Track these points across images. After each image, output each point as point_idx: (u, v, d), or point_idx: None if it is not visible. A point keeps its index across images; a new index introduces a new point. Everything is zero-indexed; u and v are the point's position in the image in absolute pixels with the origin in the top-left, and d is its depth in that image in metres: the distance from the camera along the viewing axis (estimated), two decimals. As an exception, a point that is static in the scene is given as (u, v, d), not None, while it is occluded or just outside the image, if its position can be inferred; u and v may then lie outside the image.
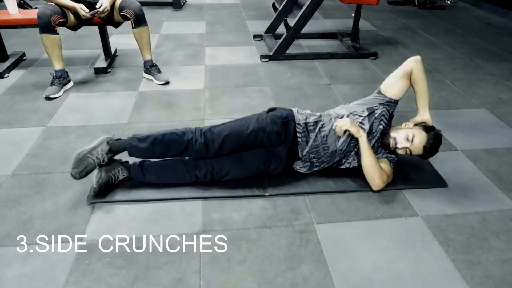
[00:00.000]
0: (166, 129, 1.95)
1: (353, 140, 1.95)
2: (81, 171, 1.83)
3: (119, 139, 1.98)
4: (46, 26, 2.79)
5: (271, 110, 2.02)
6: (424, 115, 2.01)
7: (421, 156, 1.97)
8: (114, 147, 1.92)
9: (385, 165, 1.97)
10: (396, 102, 2.01)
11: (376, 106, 1.98)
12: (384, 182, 1.93)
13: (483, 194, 2.00)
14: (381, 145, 2.01)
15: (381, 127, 1.98)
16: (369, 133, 1.96)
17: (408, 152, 1.93)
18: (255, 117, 1.97)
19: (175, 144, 1.89)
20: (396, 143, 1.94)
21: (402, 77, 1.97)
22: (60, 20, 2.83)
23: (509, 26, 4.90)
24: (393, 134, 1.96)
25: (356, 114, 1.97)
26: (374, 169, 1.90)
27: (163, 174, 1.94)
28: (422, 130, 1.94)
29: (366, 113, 1.97)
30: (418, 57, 1.97)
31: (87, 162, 1.84)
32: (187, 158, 1.96)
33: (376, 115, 1.97)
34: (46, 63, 3.02)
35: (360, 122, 1.96)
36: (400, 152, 1.96)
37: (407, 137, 1.91)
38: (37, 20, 2.78)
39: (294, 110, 2.01)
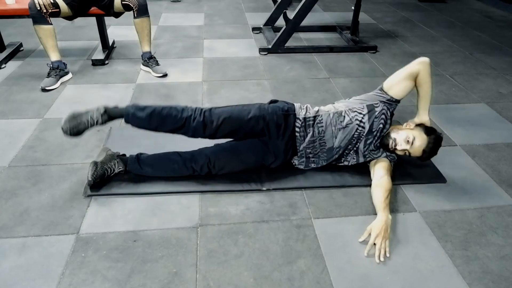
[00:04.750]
0: (167, 103, 1.93)
1: (353, 139, 1.93)
2: (73, 127, 1.82)
3: (117, 106, 1.96)
4: (37, 17, 2.76)
5: (273, 101, 2.01)
6: (423, 117, 1.97)
7: (419, 158, 1.91)
8: (111, 111, 1.90)
9: (386, 164, 1.93)
10: (397, 101, 1.95)
11: (377, 103, 1.92)
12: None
13: (481, 189, 1.99)
14: (380, 145, 1.95)
15: (381, 126, 1.92)
16: (369, 132, 1.91)
17: (407, 154, 1.88)
18: (257, 105, 1.96)
19: (173, 120, 1.87)
20: (395, 145, 1.87)
21: (408, 77, 1.90)
22: (52, 10, 2.80)
23: (510, 19, 4.87)
24: (393, 134, 1.90)
25: (355, 111, 1.92)
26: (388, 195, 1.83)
27: (160, 166, 1.93)
28: (423, 132, 1.88)
29: (366, 111, 1.91)
30: (426, 59, 1.89)
31: (81, 120, 1.83)
32: (183, 151, 1.95)
33: (376, 113, 1.91)
34: (43, 53, 3.00)
35: (360, 121, 1.90)
36: (398, 153, 1.91)
37: (407, 139, 1.85)
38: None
39: (296, 104, 1.98)
